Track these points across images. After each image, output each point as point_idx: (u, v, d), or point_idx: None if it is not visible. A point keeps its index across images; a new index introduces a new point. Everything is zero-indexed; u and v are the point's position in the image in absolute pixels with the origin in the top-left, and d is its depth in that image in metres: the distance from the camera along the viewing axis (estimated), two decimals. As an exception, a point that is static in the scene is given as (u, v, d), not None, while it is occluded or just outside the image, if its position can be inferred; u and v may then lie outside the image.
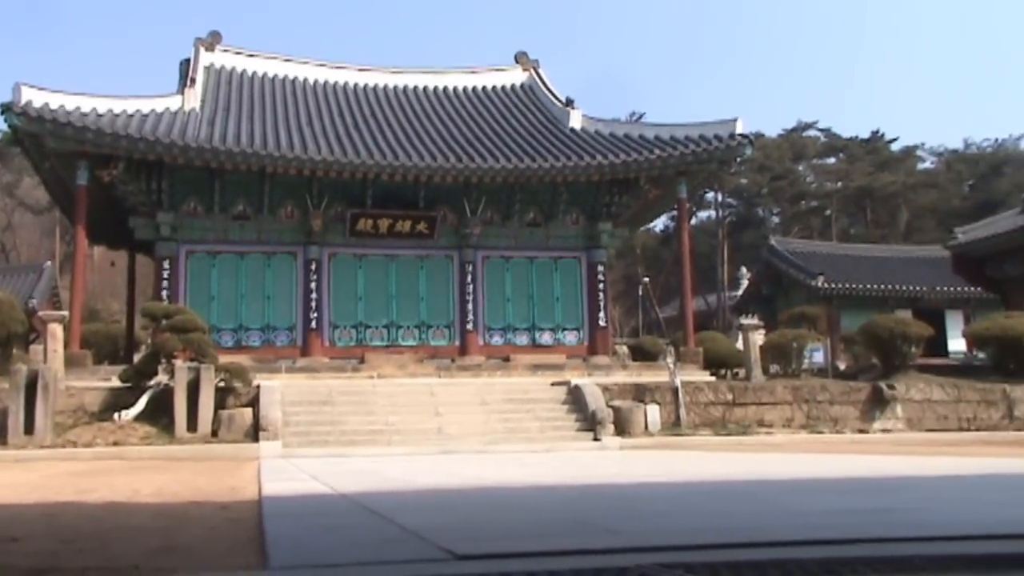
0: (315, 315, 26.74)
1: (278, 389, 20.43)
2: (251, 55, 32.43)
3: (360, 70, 33.51)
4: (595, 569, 3.23)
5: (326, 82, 32.50)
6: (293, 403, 20.41)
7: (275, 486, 8.90)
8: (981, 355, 28.18)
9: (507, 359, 27.17)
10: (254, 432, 18.73)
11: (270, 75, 31.94)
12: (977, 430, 23.38)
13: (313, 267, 26.98)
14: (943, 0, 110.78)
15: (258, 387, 20.31)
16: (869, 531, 4.26)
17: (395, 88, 32.97)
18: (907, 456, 13.33)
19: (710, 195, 62.65)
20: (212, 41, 31.53)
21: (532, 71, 34.32)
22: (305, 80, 32.33)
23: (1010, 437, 22.13)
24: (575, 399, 21.87)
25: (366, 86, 32.86)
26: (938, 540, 3.91)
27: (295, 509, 6.65)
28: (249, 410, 19.44)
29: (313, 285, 26.91)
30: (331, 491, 8.20)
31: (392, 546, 4.14)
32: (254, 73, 31.79)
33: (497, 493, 7.87)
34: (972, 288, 36.46)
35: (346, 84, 32.73)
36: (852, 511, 5.50)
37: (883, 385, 23.84)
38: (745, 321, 27.87)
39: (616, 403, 21.62)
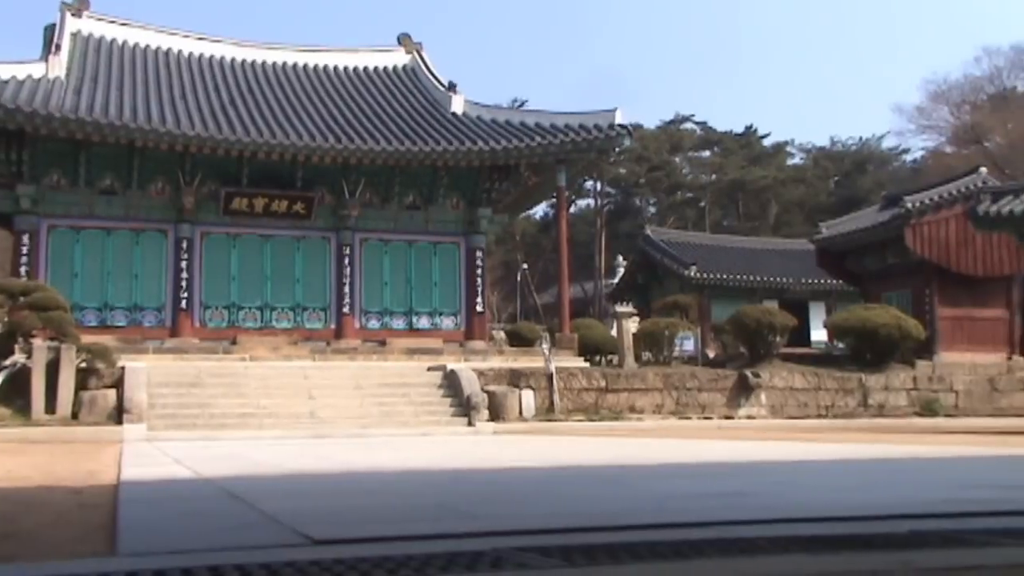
0: (186, 295, 26.03)
1: (144, 370, 19.82)
2: (123, 23, 31.20)
3: (237, 44, 32.63)
4: (450, 553, 3.24)
5: (201, 55, 31.54)
6: (160, 385, 19.85)
7: (135, 470, 8.65)
8: (841, 345, 29.40)
9: (384, 343, 27.02)
10: (118, 415, 18.16)
11: (142, 45, 30.80)
12: (835, 417, 24.45)
13: (184, 246, 26.23)
14: (815, 4, 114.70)
15: (123, 368, 19.68)
16: (721, 514, 4.41)
17: (274, 65, 32.24)
18: (767, 441, 13.84)
19: (589, 184, 63.49)
20: (79, 7, 30.19)
21: (415, 54, 34.07)
22: (179, 52, 31.30)
23: (864, 424, 23.22)
24: (451, 384, 21.91)
25: (243, 61, 32.04)
26: (783, 522, 4.07)
27: (153, 494, 6.47)
28: (113, 392, 18.82)
29: (184, 264, 26.17)
30: (194, 475, 8.01)
31: (249, 531, 4.07)
32: (124, 42, 30.59)
33: (364, 477, 7.83)
34: (834, 280, 37.97)
35: (222, 58, 31.83)
36: (708, 495, 5.68)
37: (749, 373, 24.66)
38: (620, 309, 28.47)
39: (491, 388, 21.76)
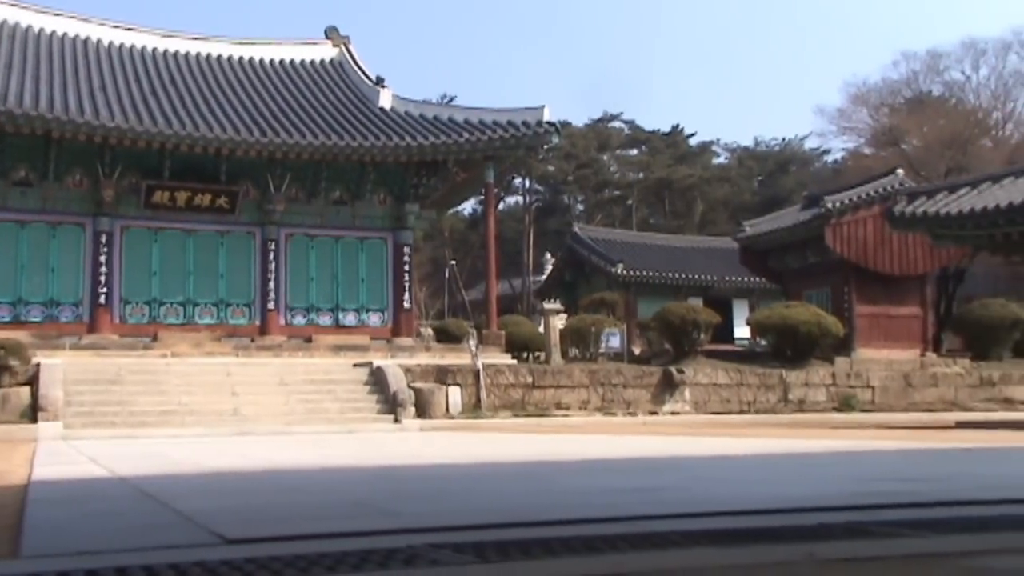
0: (104, 290, 25.43)
1: (61, 367, 19.37)
2: (38, 11, 30.33)
3: (160, 35, 31.93)
4: (364, 551, 3.24)
5: (122, 45, 30.82)
6: (77, 382, 19.40)
7: (48, 470, 8.44)
8: (763, 342, 29.95)
9: (309, 339, 26.75)
10: (32, 413, 17.72)
11: (59, 33, 29.98)
12: (756, 412, 24.92)
13: (103, 239, 25.63)
14: (739, 6, 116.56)
15: (38, 365, 19.21)
16: (637, 509, 4.47)
17: (197, 56, 31.65)
18: (689, 437, 14.04)
19: (518, 181, 63.64)
20: (-8, -7, 29.30)
21: (343, 47, 33.77)
22: (99, 41, 30.54)
23: (784, 419, 23.69)
24: (377, 381, 21.82)
25: (166, 52, 31.38)
26: (697, 516, 4.14)
27: (64, 494, 6.33)
28: (27, 389, 18.36)
29: (103, 259, 25.56)
30: (109, 475, 7.85)
31: (161, 531, 4.01)
32: (41, 30, 29.75)
33: (285, 475, 7.76)
34: (757, 278, 38.67)
35: (144, 48, 31.13)
36: (626, 490, 5.75)
37: (673, 369, 25.01)
38: (547, 306, 28.58)
39: (418, 385, 21.73)
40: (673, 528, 3.75)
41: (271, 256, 27.31)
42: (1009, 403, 27.18)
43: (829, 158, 66.45)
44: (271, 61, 32.59)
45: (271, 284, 27.20)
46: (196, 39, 32.49)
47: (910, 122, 46.96)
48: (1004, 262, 30.81)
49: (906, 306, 31.29)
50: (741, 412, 24.90)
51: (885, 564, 3.01)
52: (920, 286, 31.72)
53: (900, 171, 32.77)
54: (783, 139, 72.69)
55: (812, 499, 4.76)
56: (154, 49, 31.26)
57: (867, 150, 51.38)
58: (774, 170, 70.51)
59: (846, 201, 30.37)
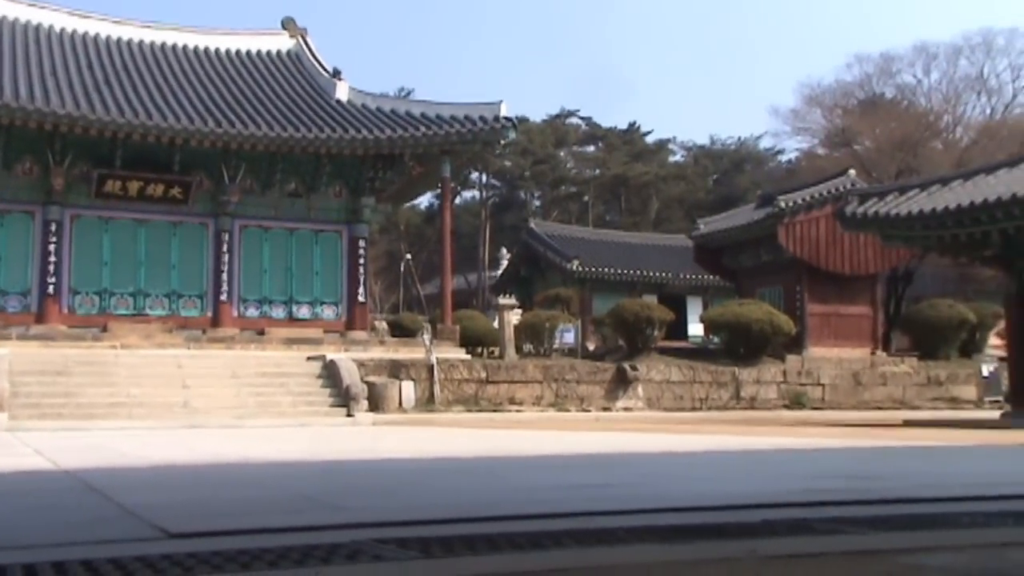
0: (53, 280, 25.02)
1: (7, 358, 19.07)
2: (-13, -5, 29.72)
3: (113, 22, 31.42)
4: (308, 546, 3.22)
5: (74, 31, 30.29)
6: (24, 373, 19.09)
7: (-10, 462, 8.28)
8: (716, 339, 30.20)
9: (262, 332, 26.53)
10: (-24, 404, 17.35)
11: (10, 18, 29.39)
12: (708, 409, 25.14)
13: (53, 228, 25.22)
14: (697, 5, 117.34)
15: (-17, 355, 18.83)
16: (585, 505, 4.49)
17: (151, 44, 31.20)
18: (641, 433, 14.13)
19: (474, 176, 63.58)
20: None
21: (300, 38, 33.48)
22: (50, 27, 29.98)
23: (736, 416, 23.91)
24: (330, 374, 21.70)
25: (119, 39, 30.89)
26: (644, 513, 4.17)
27: (7, 487, 6.21)
28: (-29, 380, 17.98)
29: (52, 248, 25.16)
30: (54, 467, 7.73)
31: (103, 525, 3.96)
32: (-10, 15, 29.16)
33: (233, 469, 7.69)
34: (711, 276, 38.99)
35: (97, 36, 30.62)
36: (576, 486, 5.77)
37: (627, 366, 25.15)
38: (502, 301, 28.62)
39: (371, 379, 21.64)
40: (620, 524, 3.78)
41: (224, 248, 27.05)
42: (955, 402, 27.70)
43: (783, 158, 67.13)
44: (227, 51, 32.23)
45: (224, 276, 26.94)
46: (151, 27, 32.02)
47: (863, 124, 47.57)
48: (952, 263, 31.46)
49: (857, 305, 31.74)
50: (694, 409, 25.10)
51: (825, 560, 3.05)
52: (871, 286, 32.20)
53: (852, 172, 33.19)
54: (738, 138, 73.41)
55: (758, 496, 4.81)
56: (107, 37, 30.77)
57: (820, 150, 51.96)
58: (729, 169, 71.13)
59: (799, 201, 30.72)
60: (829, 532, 3.57)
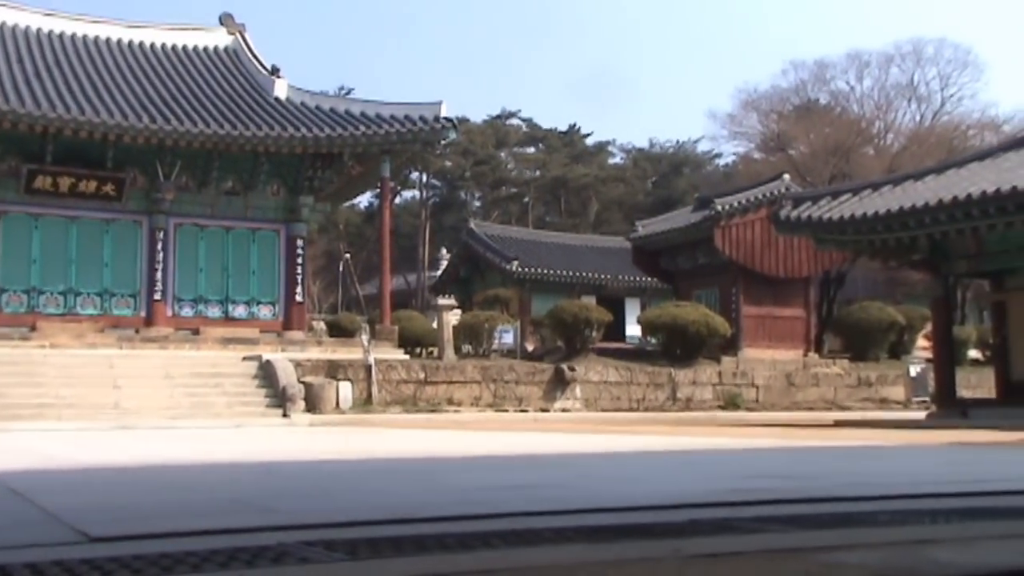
0: (-21, 278, 24.39)
1: (-72, 358, 18.51)
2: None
3: (44, 14, 30.71)
4: (233, 549, 3.18)
5: (4, 24, 29.56)
6: (-54, 373, 18.57)
7: (-91, 465, 8.05)
8: (653, 341, 30.48)
9: (197, 332, 26.17)
10: None
11: (-65, 9, 28.63)
12: (645, 410, 25.38)
13: (-21, 225, 24.59)
14: (635, 8, 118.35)
15: (-97, 355, 18.30)
16: (517, 506, 4.50)
17: (84, 38, 30.57)
18: (578, 434, 14.21)
19: (415, 175, 63.42)
20: None
21: (238, 35, 33.07)
22: (-23, 19, 29.24)
23: (672, 417, 24.17)
24: (266, 374, 21.49)
25: (51, 32, 30.22)
26: (573, 513, 4.20)
27: (-76, 491, 6.04)
28: None
29: (-22, 245, 24.53)
30: (-25, 470, 7.53)
31: (23, 529, 3.87)
32: (-85, 5, 28.34)
33: (163, 471, 7.57)
34: (649, 278, 39.34)
35: (28, 28, 29.92)
36: (509, 487, 5.79)
37: (565, 367, 25.27)
38: (441, 301, 28.59)
39: (308, 379, 21.47)
40: (549, 525, 3.80)
41: (159, 246, 26.63)
42: (884, 402, 28.31)
43: (720, 161, 68.07)
44: (162, 46, 31.72)
45: (158, 275, 26.52)
46: (84, 20, 31.37)
47: (797, 129, 48.37)
48: (882, 267, 32.13)
49: (790, 308, 32.28)
50: (631, 409, 25.32)
51: (746, 558, 3.10)
52: (804, 288, 32.77)
53: (787, 176, 33.76)
54: (677, 141, 74.23)
55: (687, 496, 4.87)
56: (38, 29, 30.09)
57: (757, 155, 52.70)
58: (668, 172, 71.90)
59: (735, 204, 31.15)
60: (753, 531, 3.63)
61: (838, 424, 20.01)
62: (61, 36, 30.25)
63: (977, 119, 48.36)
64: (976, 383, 25.61)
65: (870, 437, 12.86)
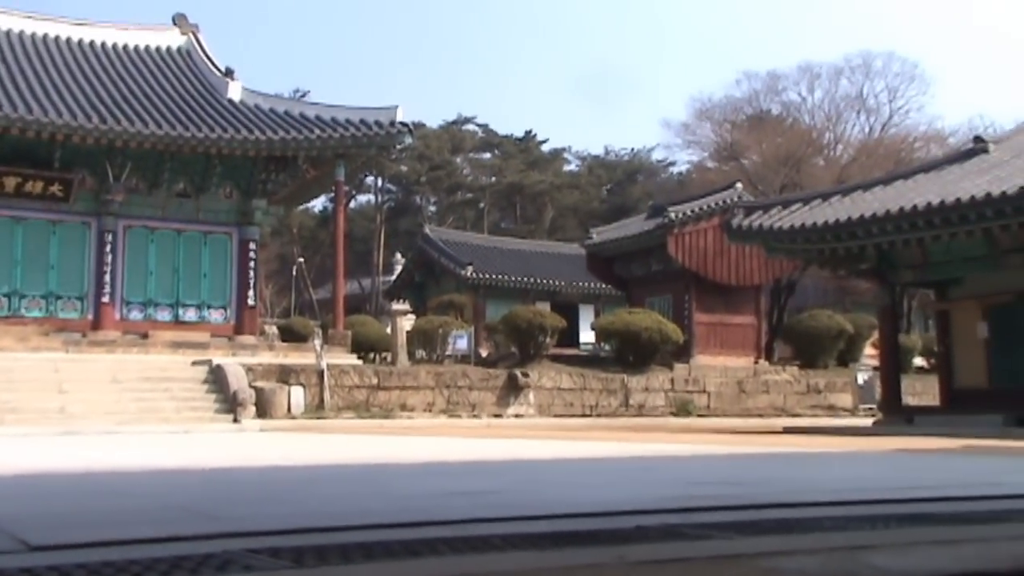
0: (-80, 280, 23.86)
1: None
2: None
3: (-10, 11, 30.17)
4: (177, 557, 3.16)
5: (-52, 19, 28.99)
6: None
7: None
8: (606, 347, 30.63)
9: (146, 336, 25.82)
10: None
11: None
12: (598, 416, 25.49)
13: (-79, 225, 24.06)
14: (593, 16, 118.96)
15: None
16: (466, 512, 4.51)
17: (32, 35, 30.05)
18: (530, 440, 14.24)
19: (370, 180, 63.19)
20: None
21: (191, 35, 32.70)
22: (-78, 14, 28.63)
23: (624, 423, 24.33)
24: (216, 379, 21.25)
25: (-2, 30, 29.68)
26: (522, 520, 4.21)
27: None
28: None
29: (-80, 246, 24.00)
30: (-86, 477, 7.38)
31: (-39, 538, 3.80)
32: None
33: (108, 478, 7.47)
34: (603, 285, 39.51)
35: (-27, 25, 29.36)
36: (459, 493, 5.79)
37: (519, 373, 25.31)
38: (395, 306, 28.51)
39: (259, 384, 21.28)
40: (497, 532, 3.81)
41: (108, 248, 26.24)
42: (832, 409, 28.71)
43: (674, 170, 68.62)
44: (113, 45, 31.27)
45: (107, 277, 26.13)
46: (32, 17, 30.82)
47: (750, 139, 48.96)
48: (832, 276, 32.60)
49: (742, 315, 32.61)
50: (584, 416, 25.41)
51: (690, 565, 3.14)
52: (755, 296, 33.13)
53: (739, 185, 34.09)
54: (632, 149, 74.77)
55: (635, 502, 4.91)
56: (-16, 26, 29.52)
57: (710, 163, 53.25)
58: (622, 179, 72.35)
59: (688, 212, 31.41)
60: (698, 537, 3.67)
61: (787, 431, 20.26)
62: (8, 33, 29.70)
63: (924, 131, 49.37)
64: (921, 390, 26.06)
65: (817, 444, 13.04)
